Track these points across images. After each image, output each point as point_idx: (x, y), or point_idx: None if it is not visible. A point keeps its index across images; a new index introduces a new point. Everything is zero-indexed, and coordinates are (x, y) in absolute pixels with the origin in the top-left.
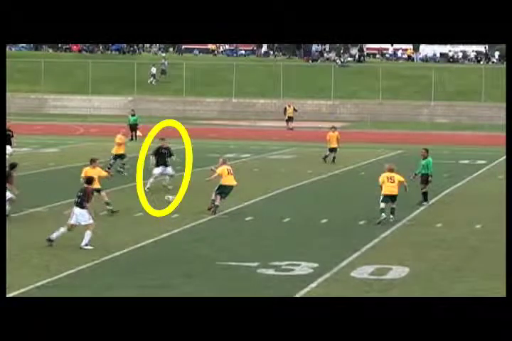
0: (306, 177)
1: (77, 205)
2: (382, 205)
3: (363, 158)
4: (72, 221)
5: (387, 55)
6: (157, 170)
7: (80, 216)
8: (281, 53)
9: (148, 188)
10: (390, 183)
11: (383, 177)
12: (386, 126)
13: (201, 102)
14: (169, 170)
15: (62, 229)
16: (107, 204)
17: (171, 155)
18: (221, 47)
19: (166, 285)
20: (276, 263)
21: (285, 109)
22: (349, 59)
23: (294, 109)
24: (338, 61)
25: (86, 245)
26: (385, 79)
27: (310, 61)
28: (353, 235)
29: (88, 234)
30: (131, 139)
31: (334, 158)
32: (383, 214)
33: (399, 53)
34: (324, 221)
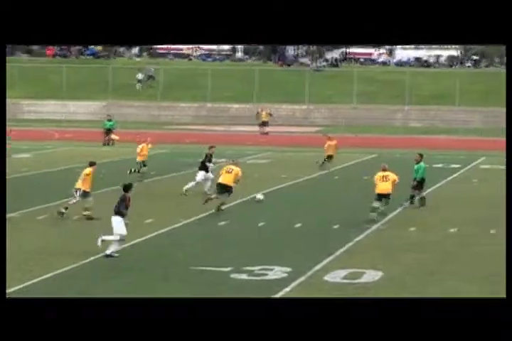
0: (280, 181)
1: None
2: (376, 204)
3: (338, 163)
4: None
5: (361, 60)
6: (200, 176)
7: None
8: (256, 58)
9: (185, 190)
10: (383, 182)
11: (377, 176)
12: (360, 131)
13: (176, 107)
14: (210, 175)
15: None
16: (86, 209)
17: (209, 161)
18: (196, 52)
19: (141, 290)
20: (250, 268)
21: (257, 113)
22: (324, 63)
23: (270, 114)
24: (312, 66)
25: (113, 252)
26: (360, 83)
27: (285, 66)
28: (327, 239)
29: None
30: (106, 144)
31: (323, 163)
32: (374, 214)
33: (375, 56)
34: (298, 225)
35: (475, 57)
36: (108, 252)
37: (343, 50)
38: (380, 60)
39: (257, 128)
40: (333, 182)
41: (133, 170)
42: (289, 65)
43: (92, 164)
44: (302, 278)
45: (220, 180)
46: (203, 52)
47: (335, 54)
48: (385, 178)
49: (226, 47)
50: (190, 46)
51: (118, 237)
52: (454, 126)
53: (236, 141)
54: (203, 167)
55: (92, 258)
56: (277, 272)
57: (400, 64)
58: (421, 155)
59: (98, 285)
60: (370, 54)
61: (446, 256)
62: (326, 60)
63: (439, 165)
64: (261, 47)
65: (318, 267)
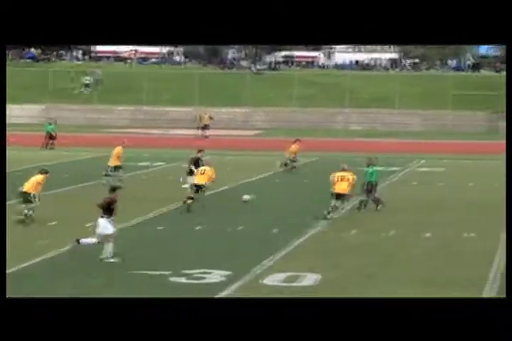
0: (220, 184)
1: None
2: (333, 203)
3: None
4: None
5: (303, 63)
6: (191, 179)
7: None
8: (196, 61)
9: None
10: (341, 182)
11: (336, 176)
12: (301, 134)
13: (113, 110)
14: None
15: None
16: (26, 215)
17: (198, 165)
18: (135, 56)
19: (84, 294)
20: (189, 271)
21: (200, 116)
22: (264, 66)
23: (210, 117)
24: (252, 69)
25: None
26: (300, 86)
27: (225, 69)
28: (266, 242)
29: (111, 246)
30: (45, 148)
31: (287, 164)
32: (328, 212)
33: (319, 59)
34: (238, 228)
35: (415, 60)
36: (110, 256)
37: (284, 53)
38: (320, 63)
39: (196, 132)
40: (274, 186)
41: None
42: (229, 68)
43: (43, 172)
44: (241, 282)
45: (195, 181)
46: (142, 55)
47: (275, 57)
48: (343, 178)
49: (165, 50)
50: (129, 49)
51: (95, 240)
52: (393, 129)
53: (176, 145)
54: (191, 172)
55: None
56: (216, 275)
57: (340, 67)
58: (375, 159)
59: (44, 288)
60: (314, 57)
61: (385, 258)
62: (266, 63)
63: (379, 168)
64: (201, 50)
65: (257, 271)
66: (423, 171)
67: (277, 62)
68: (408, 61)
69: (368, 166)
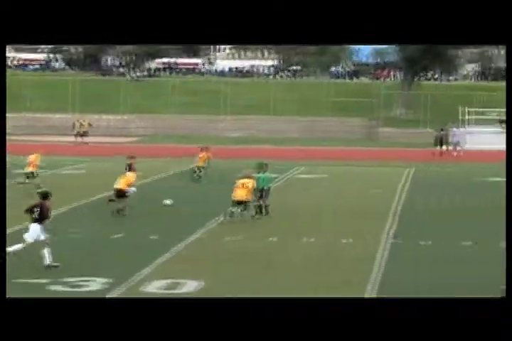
0: (99, 191)
1: (35, 221)
2: (232, 209)
3: (156, 172)
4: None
5: (183, 70)
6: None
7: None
8: (75, 67)
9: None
10: (240, 189)
11: (238, 182)
12: (179, 141)
13: None
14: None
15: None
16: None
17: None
18: (13, 62)
19: None
20: (69, 279)
21: (74, 124)
22: (144, 73)
23: (89, 124)
24: (131, 75)
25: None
26: (179, 93)
27: (103, 75)
28: (147, 249)
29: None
30: None
31: (195, 172)
32: (227, 217)
33: (200, 66)
34: (117, 236)
35: (295, 67)
36: (48, 262)
37: (164, 60)
38: (201, 69)
39: (74, 139)
40: (154, 193)
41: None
42: (108, 75)
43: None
44: (121, 289)
45: (115, 186)
46: (21, 62)
47: (155, 64)
48: (243, 185)
49: (44, 56)
50: (10, 56)
51: (22, 245)
52: (272, 136)
53: (53, 151)
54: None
55: None
56: (96, 283)
57: (221, 74)
58: (265, 165)
59: None
60: (195, 64)
61: (266, 264)
62: (146, 70)
63: (258, 175)
64: (81, 56)
65: (137, 278)
66: (303, 178)
67: (157, 69)
68: (289, 68)
69: (259, 172)
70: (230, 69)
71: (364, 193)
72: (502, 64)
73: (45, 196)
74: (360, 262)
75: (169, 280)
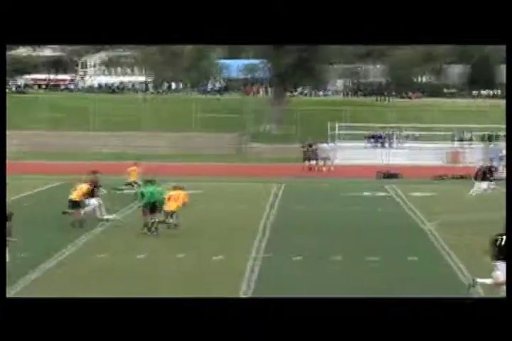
0: None
1: None
2: (169, 220)
3: (25, 189)
4: None
5: (53, 86)
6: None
7: None
8: None
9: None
10: (171, 202)
11: (168, 194)
12: (48, 157)
13: None
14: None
15: None
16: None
17: (97, 186)
18: None
19: None
20: None
21: None
22: (13, 89)
23: None
24: None
25: None
26: (48, 109)
27: None
28: (14, 268)
29: None
30: None
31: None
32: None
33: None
34: None
35: (166, 83)
36: None
37: (33, 76)
38: (72, 86)
39: None
40: (23, 210)
41: None
42: None
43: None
44: None
45: (70, 197)
46: None
47: (23, 80)
48: (173, 197)
49: None
50: None
51: None
52: (143, 152)
53: None
54: (93, 193)
55: None
56: None
57: (91, 90)
58: (153, 180)
59: None
60: (64, 80)
61: (139, 280)
62: (15, 86)
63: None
64: None
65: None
66: None
67: (26, 85)
68: (160, 84)
69: (147, 187)
70: (100, 85)
71: (234, 209)
72: (372, 79)
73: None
74: (229, 277)
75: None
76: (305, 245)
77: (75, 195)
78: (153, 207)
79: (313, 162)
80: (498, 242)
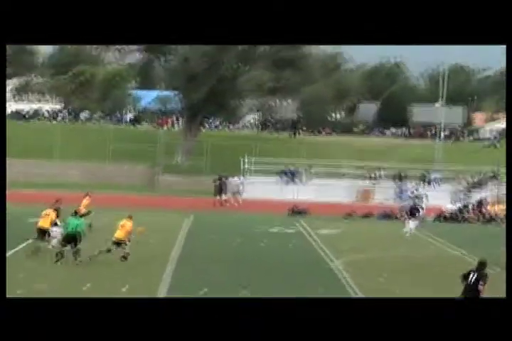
0: None
1: None
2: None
3: None
4: None
5: None
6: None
7: None
8: None
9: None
10: (118, 230)
11: (119, 224)
12: None
13: None
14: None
15: None
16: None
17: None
18: None
19: None
20: None
21: None
22: None
23: None
24: None
25: None
26: None
27: None
28: None
29: None
30: None
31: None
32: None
33: None
34: None
35: (79, 112)
36: None
37: None
38: None
39: None
40: None
41: None
42: None
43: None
44: None
45: (38, 225)
46: None
47: None
48: (122, 227)
49: None
50: None
51: None
52: (54, 181)
53: None
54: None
55: None
56: None
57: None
58: (76, 212)
59: None
60: None
61: None
62: None
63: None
64: None
65: None
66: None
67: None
68: (72, 112)
69: (73, 217)
70: (12, 112)
71: (143, 241)
72: (284, 114)
73: None
74: None
75: None
76: (211, 277)
77: (43, 222)
78: (71, 238)
79: (223, 196)
80: (470, 279)
